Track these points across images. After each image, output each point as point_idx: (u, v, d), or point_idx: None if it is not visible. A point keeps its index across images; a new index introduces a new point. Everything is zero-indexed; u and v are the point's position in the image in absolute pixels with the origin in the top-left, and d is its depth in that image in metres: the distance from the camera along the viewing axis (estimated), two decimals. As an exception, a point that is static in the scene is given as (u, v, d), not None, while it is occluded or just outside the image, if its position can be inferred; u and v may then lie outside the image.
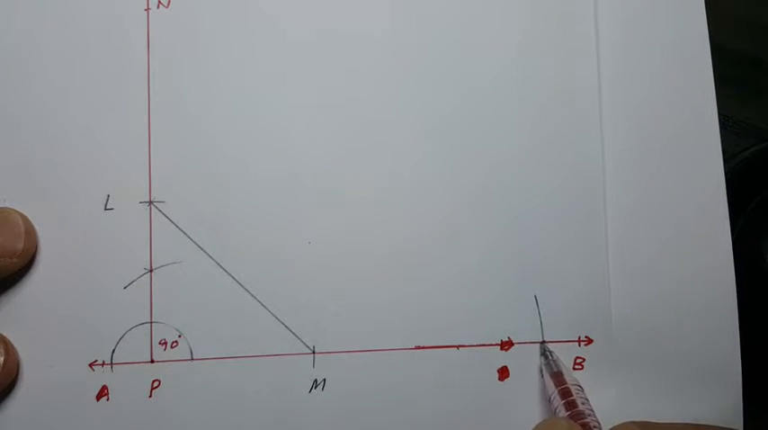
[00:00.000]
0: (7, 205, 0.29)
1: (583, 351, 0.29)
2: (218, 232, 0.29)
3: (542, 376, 0.29)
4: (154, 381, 0.29)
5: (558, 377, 0.28)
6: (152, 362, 0.29)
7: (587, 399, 0.27)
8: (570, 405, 0.26)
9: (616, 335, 0.29)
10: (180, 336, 0.29)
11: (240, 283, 0.29)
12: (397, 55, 0.30)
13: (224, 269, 0.29)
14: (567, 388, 0.27)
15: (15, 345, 0.28)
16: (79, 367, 0.29)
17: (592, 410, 0.26)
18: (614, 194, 0.29)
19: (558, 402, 0.27)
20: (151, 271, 0.29)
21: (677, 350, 0.29)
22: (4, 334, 0.29)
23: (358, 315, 0.29)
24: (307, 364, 0.29)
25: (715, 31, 0.30)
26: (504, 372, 0.29)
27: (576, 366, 0.29)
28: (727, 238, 0.29)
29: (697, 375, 0.29)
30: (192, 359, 0.29)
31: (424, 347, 0.29)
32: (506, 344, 0.29)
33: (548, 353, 0.28)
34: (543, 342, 0.29)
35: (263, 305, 0.29)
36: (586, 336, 0.29)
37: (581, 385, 0.27)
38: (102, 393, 0.29)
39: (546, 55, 0.30)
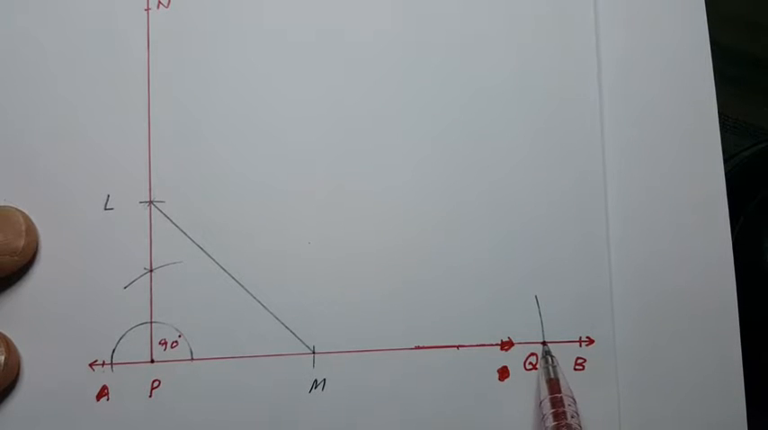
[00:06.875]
0: (8, 204, 0.29)
1: (584, 351, 0.29)
2: (218, 232, 0.29)
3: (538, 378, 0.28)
4: (154, 381, 0.29)
5: (552, 384, 0.27)
6: (152, 362, 0.29)
7: (578, 414, 0.27)
8: (559, 416, 0.26)
9: (617, 336, 0.29)
10: (180, 336, 0.29)
11: (240, 283, 0.29)
12: (399, 57, 0.30)
13: (224, 269, 0.29)
14: (560, 397, 0.27)
15: (15, 345, 0.28)
16: (79, 367, 0.29)
17: (580, 426, 0.26)
18: (615, 194, 0.29)
19: (547, 410, 0.27)
20: (151, 271, 0.29)
21: (678, 350, 0.29)
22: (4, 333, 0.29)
23: (358, 315, 0.29)
24: (307, 364, 0.29)
25: (715, 31, 0.30)
26: (504, 372, 0.29)
27: (578, 366, 0.29)
28: (727, 238, 0.29)
29: (698, 375, 0.29)
30: (192, 359, 0.29)
31: (423, 347, 0.29)
32: (506, 345, 0.29)
33: (548, 357, 0.28)
34: (545, 342, 0.29)
35: (262, 305, 0.29)
36: (588, 337, 0.29)
37: (575, 398, 0.27)
38: (102, 393, 0.29)
39: (548, 56, 0.30)
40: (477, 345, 0.29)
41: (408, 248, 0.29)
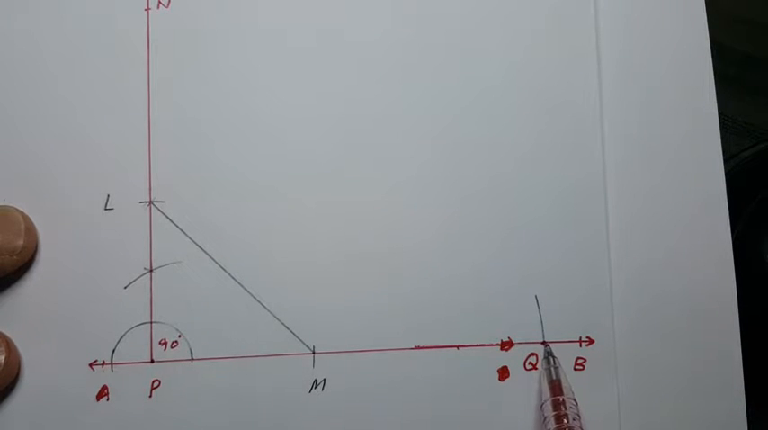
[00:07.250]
0: (7, 204, 0.29)
1: (584, 351, 0.29)
2: (218, 232, 0.29)
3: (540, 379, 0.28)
4: (154, 381, 0.29)
5: (555, 386, 0.27)
6: (152, 362, 0.29)
7: (579, 415, 0.27)
8: (560, 418, 0.26)
9: (617, 336, 0.29)
10: (180, 336, 0.29)
11: (240, 283, 0.29)
12: (399, 57, 0.30)
13: (224, 269, 0.29)
14: (562, 399, 0.27)
15: (15, 345, 0.28)
16: (79, 367, 0.29)
17: (582, 428, 0.26)
18: (615, 194, 0.29)
19: (548, 412, 0.27)
20: (151, 271, 0.29)
21: (678, 350, 0.29)
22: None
23: (358, 315, 0.29)
24: (307, 364, 0.29)
25: (715, 31, 0.30)
26: (504, 372, 0.29)
27: (578, 366, 0.29)
28: (727, 238, 0.29)
29: (698, 375, 0.29)
30: (192, 359, 0.29)
31: (423, 347, 0.29)
32: (506, 345, 0.29)
33: (550, 358, 0.28)
34: (545, 343, 0.29)
35: (263, 305, 0.29)
36: (588, 337, 0.29)
37: (576, 400, 0.27)
38: (102, 393, 0.29)
39: (548, 56, 0.30)
40: (476, 345, 0.29)
41: (408, 248, 0.29)
